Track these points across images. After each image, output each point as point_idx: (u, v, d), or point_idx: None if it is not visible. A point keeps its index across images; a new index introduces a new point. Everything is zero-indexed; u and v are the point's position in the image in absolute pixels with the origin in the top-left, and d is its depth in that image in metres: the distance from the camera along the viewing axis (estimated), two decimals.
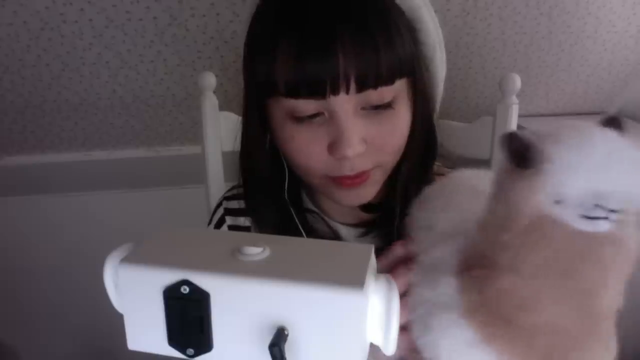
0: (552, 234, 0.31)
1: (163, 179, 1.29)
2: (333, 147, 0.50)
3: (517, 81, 0.78)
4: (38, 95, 1.13)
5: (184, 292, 0.30)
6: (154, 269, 0.30)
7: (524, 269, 0.32)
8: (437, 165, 0.65)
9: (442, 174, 0.65)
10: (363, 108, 0.50)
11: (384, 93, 0.49)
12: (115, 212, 1.29)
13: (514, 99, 0.78)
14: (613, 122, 0.32)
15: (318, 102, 0.49)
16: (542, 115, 1.38)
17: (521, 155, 0.31)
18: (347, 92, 0.48)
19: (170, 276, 0.30)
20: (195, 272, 0.30)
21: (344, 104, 0.49)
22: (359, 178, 0.53)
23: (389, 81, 0.49)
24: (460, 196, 0.45)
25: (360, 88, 0.48)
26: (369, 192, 0.56)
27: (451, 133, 0.85)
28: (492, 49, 1.19)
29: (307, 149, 0.52)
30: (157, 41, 1.05)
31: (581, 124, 0.32)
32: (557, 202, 0.30)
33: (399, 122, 0.53)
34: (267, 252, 0.32)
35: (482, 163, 0.82)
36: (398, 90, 0.51)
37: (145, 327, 0.32)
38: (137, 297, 0.31)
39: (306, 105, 0.49)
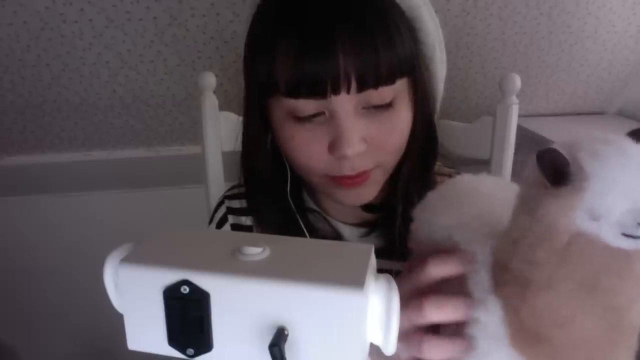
0: (589, 251, 0.31)
1: (163, 179, 1.29)
2: (333, 146, 0.50)
3: (517, 81, 0.78)
4: (38, 95, 1.13)
5: (184, 292, 0.30)
6: (154, 269, 0.30)
7: (561, 287, 0.31)
8: (437, 165, 0.65)
9: (443, 174, 0.65)
10: (363, 107, 0.50)
11: (385, 93, 0.49)
12: (115, 212, 1.29)
13: (514, 99, 0.78)
14: None
15: (318, 102, 0.49)
16: (542, 115, 1.38)
17: (559, 171, 0.31)
18: (348, 91, 0.48)
19: (170, 276, 0.30)
20: (195, 272, 0.30)
21: (345, 103, 0.49)
22: (359, 178, 0.53)
23: (389, 80, 0.49)
24: (464, 201, 0.45)
25: (361, 88, 0.48)
26: (369, 191, 0.56)
27: (451, 133, 0.85)
28: (492, 49, 1.19)
29: (307, 148, 0.52)
30: (157, 41, 1.05)
31: (612, 137, 0.31)
32: (594, 219, 0.30)
33: (400, 122, 0.53)
34: (267, 252, 0.31)
35: (482, 163, 0.82)
36: (398, 90, 0.51)
37: (145, 327, 0.32)
38: (137, 297, 0.31)
39: (306, 105, 0.49)
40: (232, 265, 0.30)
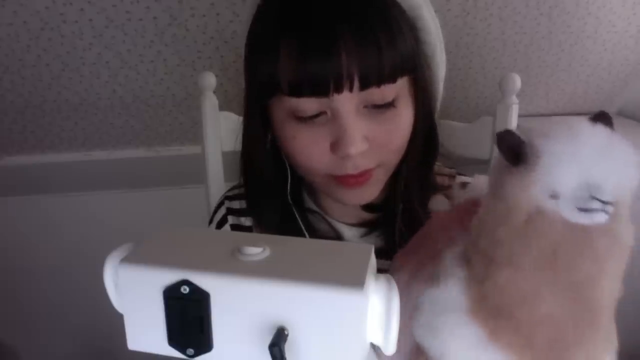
0: (548, 227, 0.31)
1: (163, 179, 1.29)
2: (336, 145, 0.50)
3: (517, 81, 0.78)
4: (38, 95, 1.13)
5: (184, 292, 0.30)
6: (154, 269, 0.30)
7: (522, 263, 0.32)
8: (437, 165, 0.65)
9: (443, 174, 0.65)
10: (365, 107, 0.50)
11: (386, 91, 0.49)
12: (115, 212, 1.29)
13: (514, 99, 0.79)
14: (602, 118, 0.33)
15: (320, 101, 0.49)
16: (542, 115, 1.38)
17: (515, 151, 0.32)
18: (351, 90, 0.48)
19: (170, 276, 0.30)
20: (195, 272, 0.30)
21: (347, 102, 0.49)
22: (362, 177, 0.53)
23: (392, 79, 0.49)
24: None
25: (363, 86, 0.48)
26: (371, 191, 0.56)
27: (451, 133, 0.85)
28: (492, 49, 1.19)
29: (309, 148, 0.52)
30: (157, 41, 1.05)
31: (571, 119, 0.33)
32: (552, 196, 0.31)
33: (401, 121, 0.53)
34: (267, 252, 0.32)
35: (482, 163, 0.82)
36: (400, 89, 0.51)
37: (145, 327, 0.32)
38: (137, 297, 0.31)
39: (308, 105, 0.49)
40: (232, 265, 0.30)
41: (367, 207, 0.60)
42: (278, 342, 0.28)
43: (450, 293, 0.37)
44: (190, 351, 0.31)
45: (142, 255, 0.32)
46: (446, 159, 0.68)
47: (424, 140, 0.59)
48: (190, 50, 1.08)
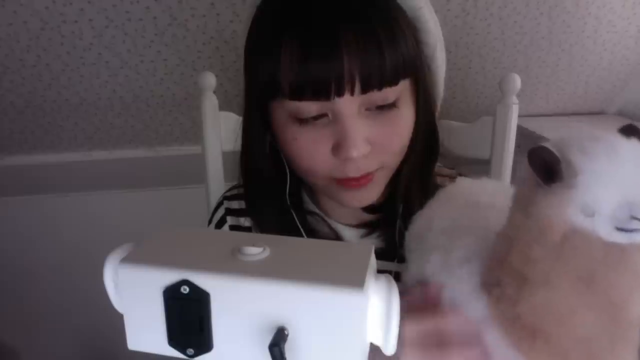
0: (586, 247, 0.31)
1: (163, 179, 1.29)
2: (337, 148, 0.50)
3: (517, 81, 0.78)
4: (38, 95, 1.13)
5: (184, 292, 0.30)
6: (154, 269, 0.30)
7: (558, 283, 0.32)
8: (438, 166, 0.65)
9: (443, 175, 0.65)
10: (367, 109, 0.50)
11: (388, 93, 0.49)
12: (115, 212, 1.29)
13: (514, 99, 0.78)
14: (632, 131, 0.32)
15: (322, 104, 0.48)
16: (542, 115, 1.38)
17: (549, 168, 0.31)
18: (352, 93, 0.47)
19: (170, 276, 0.30)
20: (195, 272, 0.30)
21: (348, 104, 0.48)
22: (363, 179, 0.53)
23: (393, 81, 0.49)
24: (458, 209, 0.45)
25: (365, 89, 0.48)
26: (373, 193, 0.56)
27: (451, 133, 0.85)
28: (492, 49, 1.19)
29: (310, 150, 0.52)
30: (157, 41, 1.05)
31: (602, 133, 0.32)
32: (588, 215, 0.30)
33: (403, 122, 0.53)
34: (267, 252, 0.32)
35: (482, 163, 0.82)
36: (401, 90, 0.51)
37: (145, 327, 0.32)
38: (137, 297, 0.31)
39: (310, 107, 0.49)
40: (232, 265, 0.30)
41: (368, 208, 0.60)
42: (278, 342, 0.28)
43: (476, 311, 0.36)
44: (190, 351, 0.31)
45: (142, 255, 0.32)
46: (445, 158, 0.68)
47: (425, 140, 0.58)
48: (190, 50, 1.08)
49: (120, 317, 0.32)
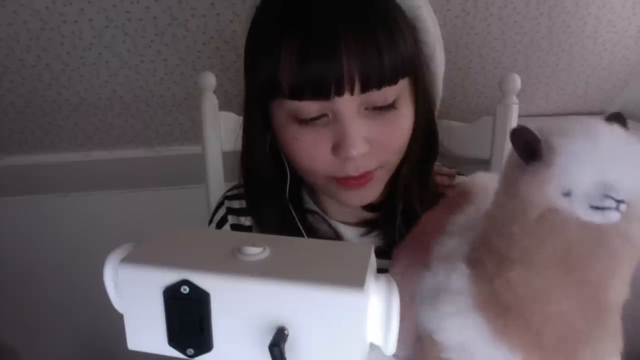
0: (562, 225, 0.31)
1: (163, 179, 1.29)
2: (337, 147, 0.50)
3: (517, 81, 0.78)
4: (38, 95, 1.13)
5: (184, 292, 0.30)
6: (154, 269, 0.30)
7: (534, 261, 0.32)
8: (437, 165, 0.65)
9: (443, 174, 0.65)
10: (366, 108, 0.50)
11: (387, 93, 0.49)
12: (115, 212, 1.29)
13: (514, 99, 0.79)
14: (617, 119, 0.33)
15: (321, 103, 0.49)
16: (542, 115, 1.38)
17: (530, 148, 0.32)
18: (352, 92, 0.48)
19: (170, 276, 0.30)
20: (195, 272, 0.30)
21: (348, 104, 0.49)
22: (363, 178, 0.53)
23: (393, 81, 0.49)
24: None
25: (364, 88, 0.48)
26: (373, 192, 0.56)
27: (451, 133, 0.85)
28: (492, 49, 1.19)
29: (310, 150, 0.52)
30: (157, 41, 1.05)
31: (586, 119, 0.33)
32: (566, 194, 0.31)
33: (402, 122, 0.53)
34: (267, 252, 0.32)
35: (482, 163, 0.82)
36: (401, 90, 0.51)
37: (145, 327, 0.32)
38: (137, 297, 0.31)
39: (309, 107, 0.49)
40: (232, 265, 0.30)
41: (368, 207, 0.60)
42: (278, 342, 0.28)
43: (451, 284, 0.37)
44: (190, 351, 0.31)
45: (142, 255, 0.32)
46: (444, 158, 0.68)
47: (424, 140, 0.59)
48: (190, 50, 1.08)
49: (120, 317, 0.32)
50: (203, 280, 0.30)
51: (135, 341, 0.32)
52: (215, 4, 1.00)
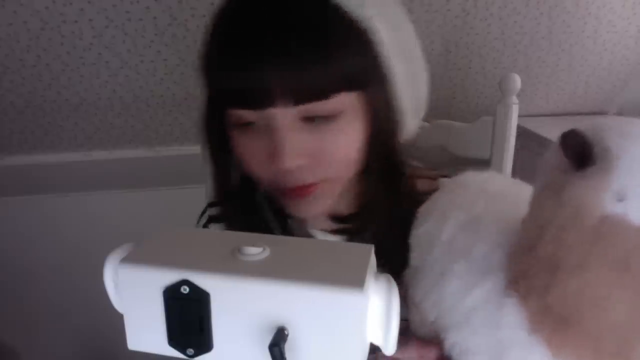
0: (620, 231, 0.30)
1: (163, 179, 1.29)
2: (271, 158, 0.49)
3: (517, 81, 0.78)
4: (38, 95, 1.13)
5: (184, 292, 0.30)
6: (154, 269, 0.30)
7: (593, 268, 0.31)
8: (418, 168, 0.64)
9: (425, 177, 0.62)
10: (306, 120, 0.48)
11: (326, 105, 0.47)
12: (115, 212, 1.29)
13: (514, 99, 0.78)
14: None
15: (257, 113, 0.48)
16: (542, 115, 1.38)
17: (582, 152, 0.30)
18: (283, 105, 0.46)
19: (170, 276, 0.30)
20: (195, 272, 0.30)
21: (282, 116, 0.47)
22: (305, 191, 0.51)
23: (322, 96, 0.47)
24: (470, 201, 0.44)
25: (297, 102, 0.46)
26: (318, 205, 0.54)
27: (451, 133, 0.85)
28: (492, 49, 1.19)
29: (249, 157, 0.51)
30: (157, 41, 1.05)
31: (635, 119, 0.31)
32: (620, 199, 0.30)
33: (345, 137, 0.50)
34: (267, 252, 0.31)
35: (482, 163, 0.82)
36: (346, 103, 0.49)
37: (145, 327, 0.32)
38: (137, 297, 0.31)
39: (248, 115, 0.49)
40: (232, 265, 0.30)
41: (336, 218, 0.58)
42: (278, 342, 0.28)
43: (509, 315, 0.35)
44: (190, 351, 0.31)
45: (142, 255, 0.32)
46: (441, 158, 0.68)
47: (383, 156, 0.55)
48: (190, 50, 1.08)
49: (120, 317, 0.32)
50: (203, 280, 0.30)
51: (135, 341, 0.32)
52: (215, 4, 1.00)
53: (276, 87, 0.46)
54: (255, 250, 0.31)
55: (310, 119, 0.48)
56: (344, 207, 0.58)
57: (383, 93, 0.53)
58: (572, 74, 1.28)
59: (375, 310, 0.30)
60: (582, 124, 0.32)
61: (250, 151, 0.51)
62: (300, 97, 0.46)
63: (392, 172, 0.56)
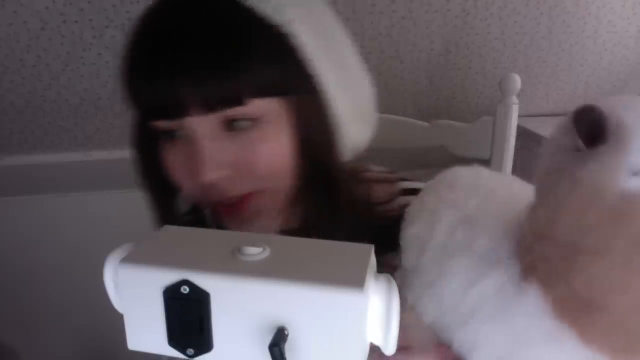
0: (638, 207, 0.29)
1: None
2: (193, 171, 0.47)
3: (517, 81, 0.78)
4: (38, 95, 1.13)
5: (184, 292, 0.30)
6: (154, 269, 0.30)
7: (616, 249, 0.30)
8: (375, 170, 0.62)
9: (382, 181, 0.61)
10: (227, 128, 0.47)
11: (245, 110, 0.46)
12: (115, 212, 1.28)
13: (514, 99, 0.79)
14: None
15: (176, 123, 0.47)
16: (542, 115, 1.38)
17: (597, 129, 0.29)
18: (198, 113, 0.45)
19: (170, 276, 0.30)
20: (195, 272, 0.30)
21: (199, 125, 0.46)
22: (237, 206, 0.49)
23: (236, 102, 0.45)
24: (462, 197, 0.44)
25: (209, 109, 0.45)
26: (260, 219, 0.51)
27: (451, 133, 0.85)
28: (492, 49, 1.19)
29: (178, 172, 0.50)
30: None
31: None
32: (635, 173, 0.29)
33: (268, 145, 0.48)
34: (267, 252, 0.31)
35: (482, 163, 0.82)
36: (264, 110, 0.47)
37: (145, 327, 0.32)
38: (137, 297, 0.31)
39: (168, 125, 0.47)
40: (232, 265, 0.30)
41: (285, 233, 0.56)
42: (278, 342, 0.28)
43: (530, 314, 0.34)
44: (190, 351, 0.31)
45: (142, 255, 0.32)
46: (440, 158, 0.67)
47: (316, 165, 0.51)
48: None
49: (120, 317, 0.32)
50: (203, 280, 0.30)
51: (135, 341, 0.32)
52: None
53: (188, 94, 0.44)
54: (255, 250, 0.31)
55: (231, 128, 0.47)
56: (296, 221, 0.55)
57: (310, 100, 0.50)
58: (572, 74, 1.28)
59: (375, 310, 0.30)
60: (590, 102, 0.31)
61: (176, 165, 0.49)
62: (213, 104, 0.45)
63: (332, 181, 0.53)
